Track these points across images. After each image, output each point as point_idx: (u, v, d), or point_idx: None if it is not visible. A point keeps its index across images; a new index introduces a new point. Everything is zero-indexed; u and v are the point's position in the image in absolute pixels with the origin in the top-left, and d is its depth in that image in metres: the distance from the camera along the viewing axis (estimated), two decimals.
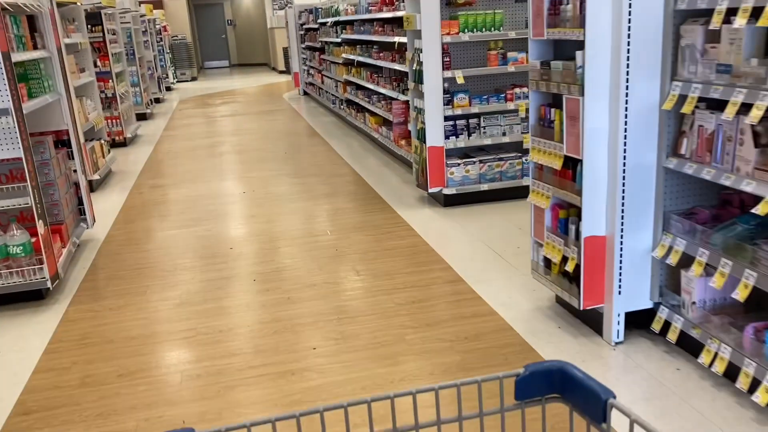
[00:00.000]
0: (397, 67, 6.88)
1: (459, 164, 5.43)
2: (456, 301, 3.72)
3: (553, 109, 3.27)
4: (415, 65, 5.36)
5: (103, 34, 9.07)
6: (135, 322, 3.71)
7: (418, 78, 5.37)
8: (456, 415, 0.91)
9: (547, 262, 3.47)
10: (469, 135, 5.47)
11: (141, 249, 4.95)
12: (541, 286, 3.76)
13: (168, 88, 17.85)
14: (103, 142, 7.45)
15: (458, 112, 5.35)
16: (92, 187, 6.79)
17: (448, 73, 5.24)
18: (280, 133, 10.00)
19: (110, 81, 9.23)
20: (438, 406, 0.92)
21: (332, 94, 11.26)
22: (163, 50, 17.31)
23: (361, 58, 8.57)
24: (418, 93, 5.45)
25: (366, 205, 5.80)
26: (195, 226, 5.45)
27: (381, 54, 7.55)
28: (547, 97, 3.42)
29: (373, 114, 8.48)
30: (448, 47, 5.35)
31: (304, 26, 13.73)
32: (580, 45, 2.93)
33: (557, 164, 3.18)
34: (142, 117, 12.26)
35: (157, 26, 16.79)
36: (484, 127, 5.47)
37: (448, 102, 5.34)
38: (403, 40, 6.32)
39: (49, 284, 3.96)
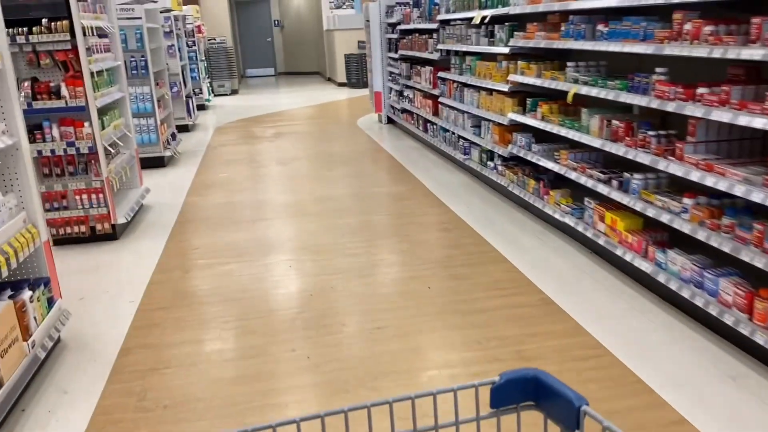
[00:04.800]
0: None
1: None
2: None
3: None
4: None
5: (72, 35, 4.77)
6: None
7: None
8: (432, 424, 0.90)
9: None
10: None
11: None
12: None
13: (201, 107, 13.66)
14: (26, 300, 3.09)
15: None
16: None
17: None
18: (391, 219, 5.58)
19: (85, 124, 4.93)
20: (414, 415, 0.90)
21: (464, 139, 6.80)
22: (196, 57, 13.11)
23: (600, 92, 4.07)
24: None
25: None
26: None
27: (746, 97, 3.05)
28: None
29: (620, 210, 3.98)
30: None
31: (399, 27, 9.32)
32: None
33: None
34: (157, 163, 7.99)
35: (189, 26, 12.60)
36: None
37: None
38: None
39: None
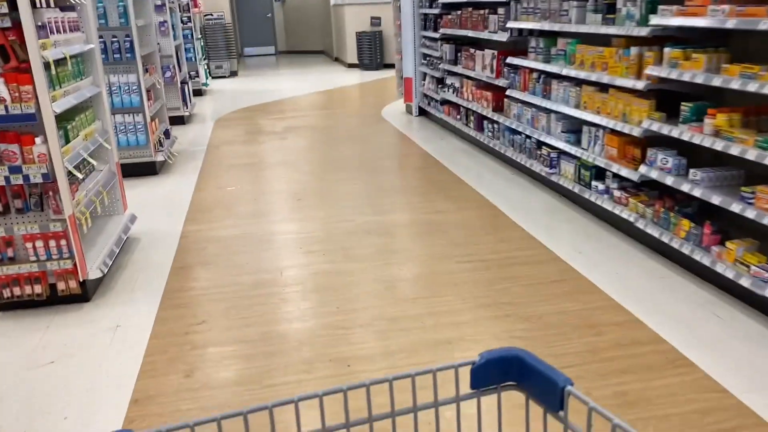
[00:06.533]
0: None
1: None
2: None
3: None
4: None
5: (13, 7, 3.14)
6: None
7: None
8: (411, 405, 0.89)
9: None
10: None
11: None
12: None
13: (198, 92, 11.98)
14: None
15: None
16: None
17: None
18: (474, 270, 3.99)
19: (37, 140, 3.33)
20: (392, 397, 0.87)
21: (548, 147, 5.20)
22: (191, 35, 11.40)
23: None
24: None
25: None
26: None
27: None
28: None
29: None
30: None
31: (441, 0, 7.65)
32: None
33: None
34: (147, 170, 6.38)
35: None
36: None
37: None
38: None
39: None
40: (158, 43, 7.62)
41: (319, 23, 20.61)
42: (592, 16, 4.38)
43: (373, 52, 15.23)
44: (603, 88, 4.38)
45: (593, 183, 4.54)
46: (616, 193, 4.25)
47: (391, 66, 15.06)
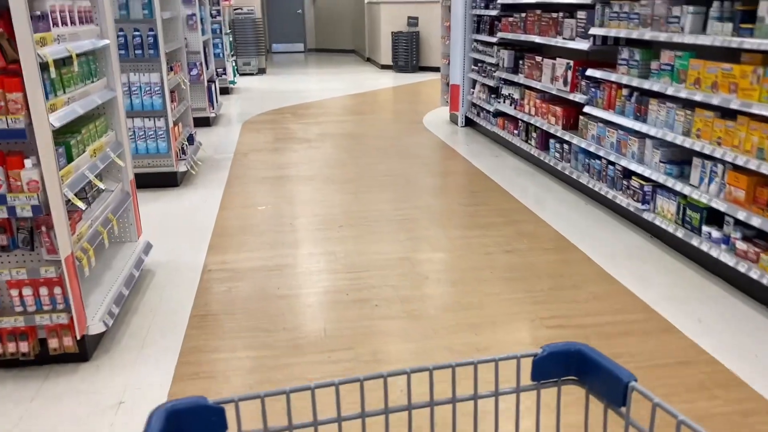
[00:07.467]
0: None
1: None
2: None
3: None
4: None
5: None
6: None
7: None
8: (472, 393, 0.88)
9: None
10: None
11: None
12: None
13: (225, 90, 11.26)
14: None
15: None
16: None
17: None
18: (583, 339, 3.21)
19: (27, 162, 2.58)
20: (454, 384, 0.88)
21: (642, 178, 4.36)
22: (220, 30, 10.67)
23: None
24: None
25: None
26: None
27: None
28: None
29: None
30: None
31: (497, 1, 6.83)
32: None
33: None
34: (167, 181, 5.66)
35: None
36: None
37: None
38: None
39: None
40: (185, 39, 6.91)
41: (351, 21, 19.85)
42: (716, 24, 3.55)
43: (408, 54, 14.45)
44: (727, 113, 3.56)
45: (704, 228, 3.72)
46: (740, 245, 3.43)
47: (428, 69, 14.28)
